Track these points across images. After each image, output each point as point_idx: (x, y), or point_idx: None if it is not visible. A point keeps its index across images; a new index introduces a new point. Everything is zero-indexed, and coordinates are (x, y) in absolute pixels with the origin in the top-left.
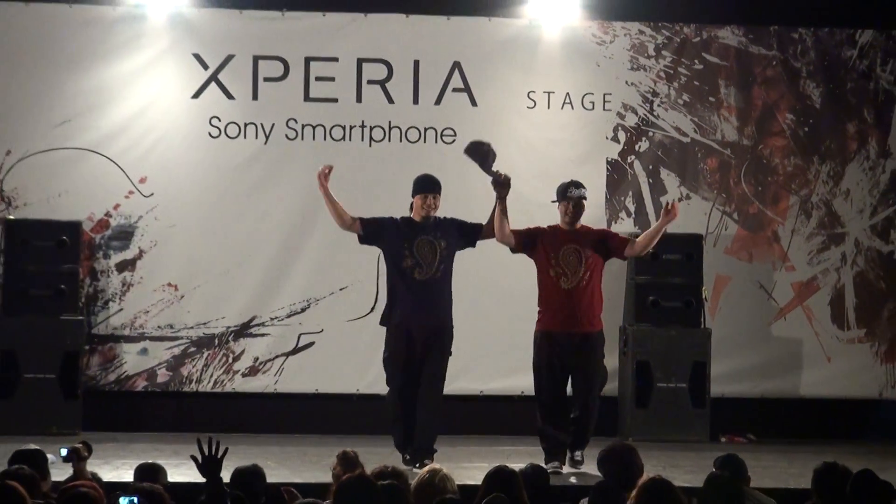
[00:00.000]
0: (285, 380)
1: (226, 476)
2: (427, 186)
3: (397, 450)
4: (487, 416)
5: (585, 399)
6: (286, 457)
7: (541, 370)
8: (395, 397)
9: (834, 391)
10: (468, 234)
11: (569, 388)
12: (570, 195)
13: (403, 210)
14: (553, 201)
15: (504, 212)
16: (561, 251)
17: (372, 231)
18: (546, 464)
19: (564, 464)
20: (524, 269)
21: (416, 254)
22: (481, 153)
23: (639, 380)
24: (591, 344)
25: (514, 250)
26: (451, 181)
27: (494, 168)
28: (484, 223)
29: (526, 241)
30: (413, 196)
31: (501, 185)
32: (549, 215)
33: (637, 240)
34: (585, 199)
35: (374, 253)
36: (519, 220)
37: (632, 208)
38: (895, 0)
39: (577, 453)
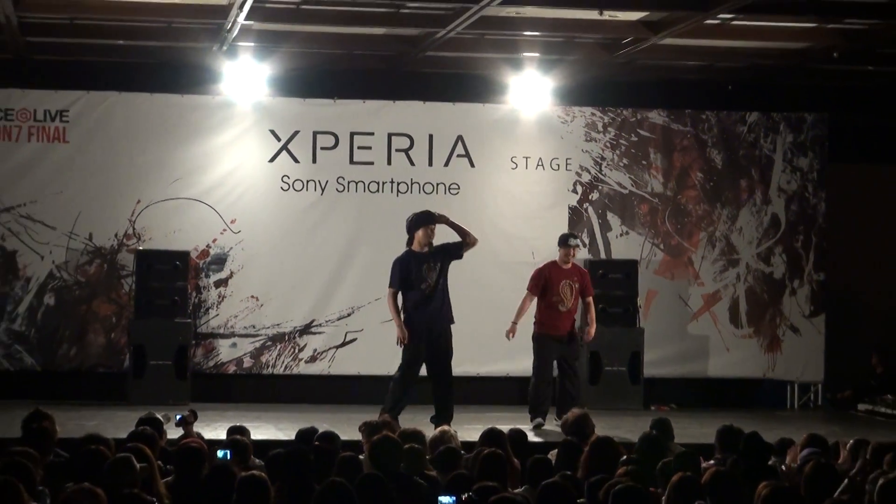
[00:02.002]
0: (336, 365)
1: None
2: (430, 219)
3: (387, 412)
4: (482, 391)
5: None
6: (336, 421)
7: (542, 358)
8: (402, 377)
9: (731, 373)
10: (454, 250)
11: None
12: (569, 244)
13: None
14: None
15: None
16: (560, 285)
17: (402, 285)
18: (532, 420)
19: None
20: (512, 288)
21: (426, 276)
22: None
23: (592, 365)
24: (574, 340)
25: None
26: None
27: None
28: (462, 240)
29: (540, 288)
30: (417, 229)
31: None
32: (526, 245)
33: (588, 301)
34: (579, 247)
35: None
36: (503, 249)
37: (587, 241)
38: (772, 92)
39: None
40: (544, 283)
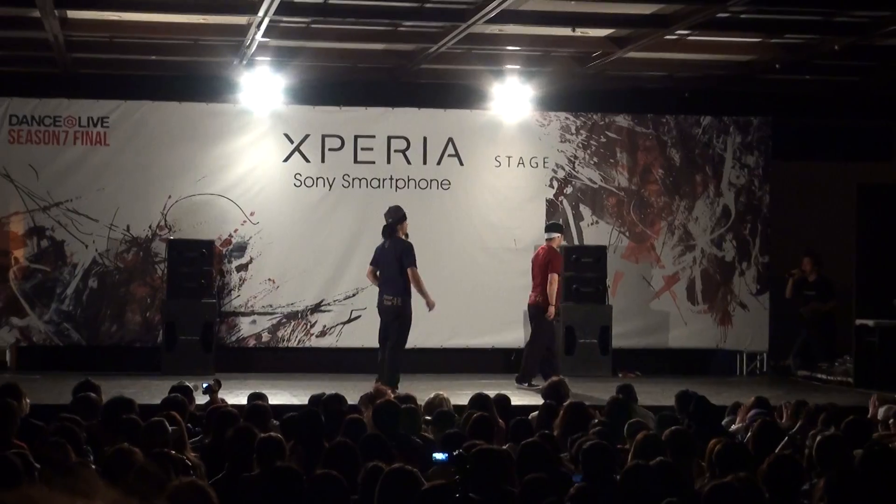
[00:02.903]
0: (343, 339)
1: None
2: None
3: (392, 385)
4: (471, 361)
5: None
6: (342, 388)
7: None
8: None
9: (688, 344)
10: None
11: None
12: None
13: (424, 229)
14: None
15: None
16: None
17: None
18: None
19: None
20: (496, 271)
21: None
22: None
23: (567, 337)
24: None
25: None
26: (444, 212)
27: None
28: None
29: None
30: (404, 221)
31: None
32: (509, 234)
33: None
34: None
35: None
36: (488, 237)
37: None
38: (723, 98)
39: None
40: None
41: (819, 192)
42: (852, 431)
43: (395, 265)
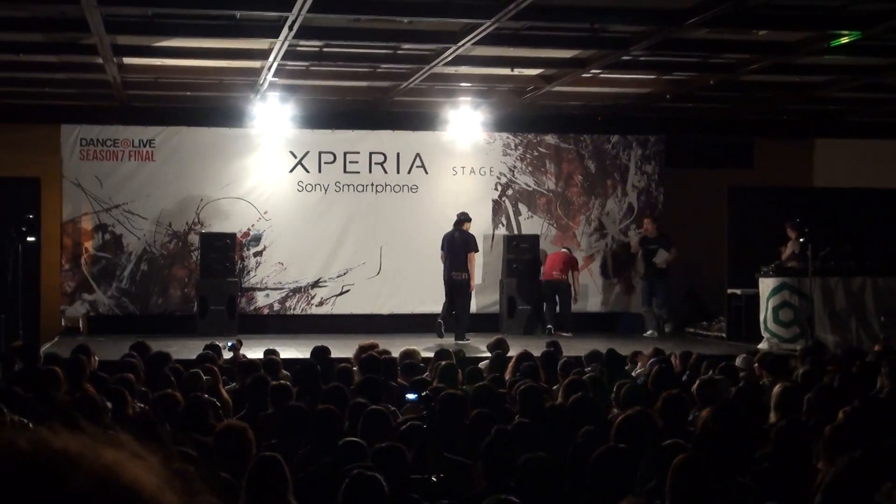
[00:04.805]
0: (336, 308)
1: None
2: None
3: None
4: (433, 323)
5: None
6: (336, 344)
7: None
8: None
9: (604, 309)
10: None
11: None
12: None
13: (398, 223)
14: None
15: None
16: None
17: None
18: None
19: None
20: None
21: None
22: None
23: (509, 305)
24: None
25: None
26: (413, 210)
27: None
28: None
29: None
30: (470, 220)
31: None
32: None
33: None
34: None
35: (378, 244)
36: (447, 229)
37: (504, 224)
38: (628, 121)
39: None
40: None
41: (700, 193)
42: (725, 374)
43: (462, 250)
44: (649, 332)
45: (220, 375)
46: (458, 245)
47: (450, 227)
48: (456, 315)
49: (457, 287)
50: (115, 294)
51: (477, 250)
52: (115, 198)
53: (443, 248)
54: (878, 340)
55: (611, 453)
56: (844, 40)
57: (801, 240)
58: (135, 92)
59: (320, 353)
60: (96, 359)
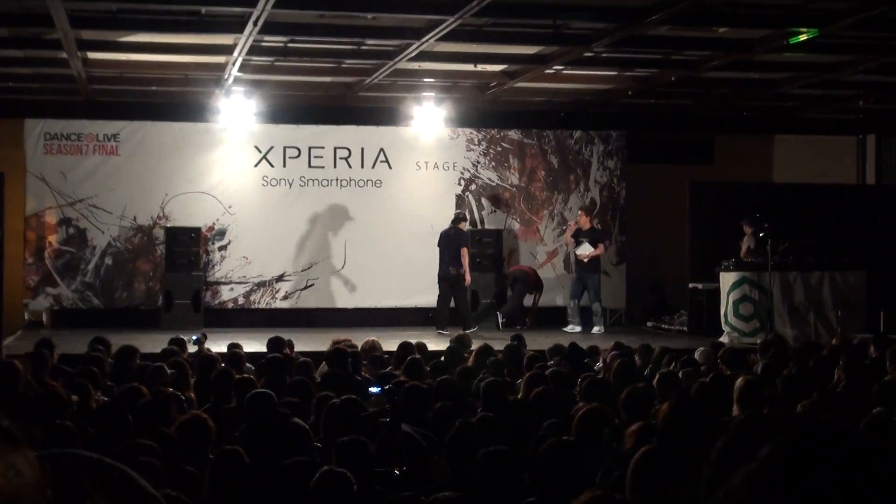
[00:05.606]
0: (300, 302)
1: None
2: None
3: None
4: (398, 317)
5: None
6: (301, 338)
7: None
8: None
9: (566, 302)
10: None
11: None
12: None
13: (362, 218)
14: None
15: None
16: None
17: None
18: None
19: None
20: (415, 249)
21: None
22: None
23: (473, 299)
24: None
25: None
26: (378, 205)
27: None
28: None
29: None
30: (465, 220)
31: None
32: (427, 220)
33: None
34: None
35: (343, 238)
36: (411, 222)
37: (468, 217)
38: (590, 117)
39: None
40: None
41: (662, 188)
42: (686, 367)
43: (456, 246)
44: (570, 328)
45: (189, 370)
46: (452, 242)
47: (413, 221)
48: (458, 308)
49: (453, 281)
50: (79, 288)
51: (468, 246)
52: (79, 192)
53: (439, 245)
54: (835, 334)
55: (559, 446)
56: (803, 38)
57: (760, 235)
58: (99, 86)
59: (277, 344)
60: (57, 354)
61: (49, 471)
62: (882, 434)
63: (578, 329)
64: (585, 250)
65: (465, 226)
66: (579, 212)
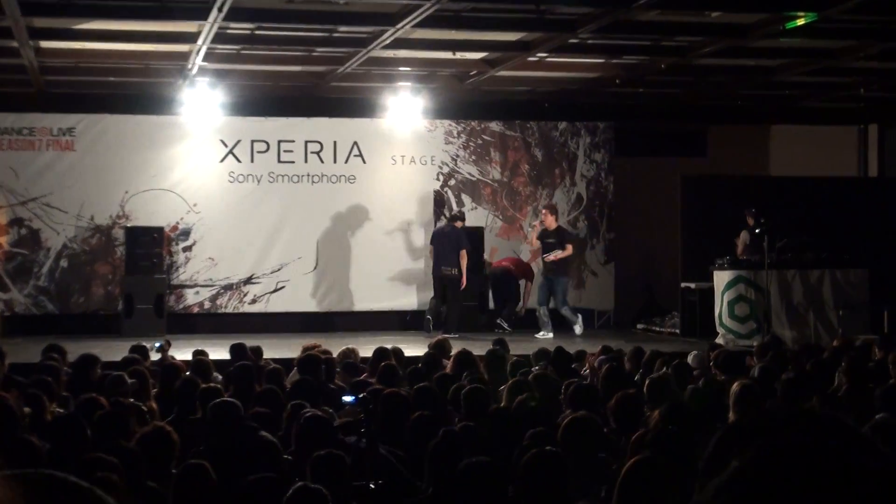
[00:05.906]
0: (270, 305)
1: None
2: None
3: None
4: (374, 321)
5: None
6: (269, 344)
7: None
8: None
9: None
10: None
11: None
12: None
13: (335, 216)
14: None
15: None
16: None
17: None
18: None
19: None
20: (392, 248)
21: None
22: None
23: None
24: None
25: None
26: (351, 202)
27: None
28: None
29: None
30: (461, 220)
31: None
32: (403, 218)
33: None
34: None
35: (315, 237)
36: (386, 220)
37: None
38: (575, 107)
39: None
40: None
41: (652, 182)
42: (678, 371)
43: (454, 246)
44: (541, 334)
45: (150, 379)
46: (447, 240)
47: (388, 219)
48: (446, 310)
49: (447, 282)
50: (32, 293)
51: (468, 247)
52: (32, 190)
53: (431, 243)
54: (836, 335)
55: (544, 457)
56: (800, 22)
57: (757, 231)
58: (53, 77)
59: (240, 351)
60: (7, 363)
61: (21, 492)
62: (886, 442)
63: (550, 336)
64: (550, 253)
65: (462, 225)
66: (543, 210)
